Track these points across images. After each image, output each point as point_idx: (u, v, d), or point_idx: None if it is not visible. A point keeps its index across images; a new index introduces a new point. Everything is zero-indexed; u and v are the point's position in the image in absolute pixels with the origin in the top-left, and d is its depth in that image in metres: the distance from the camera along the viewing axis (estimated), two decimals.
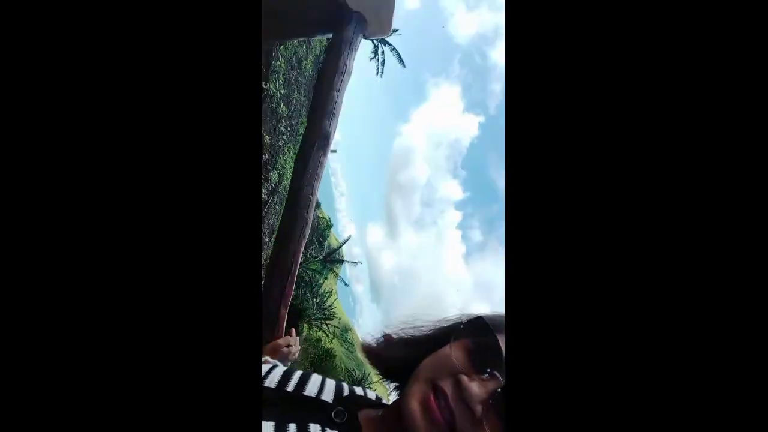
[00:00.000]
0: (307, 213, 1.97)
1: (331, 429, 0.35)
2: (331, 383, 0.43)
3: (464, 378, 0.34)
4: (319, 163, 2.01)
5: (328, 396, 0.40)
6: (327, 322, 11.61)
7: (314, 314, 10.88)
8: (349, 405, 0.39)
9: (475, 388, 0.35)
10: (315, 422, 0.35)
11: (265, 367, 0.43)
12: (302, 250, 1.95)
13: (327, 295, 11.81)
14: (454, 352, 0.37)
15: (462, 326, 0.39)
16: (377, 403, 0.43)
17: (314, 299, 11.04)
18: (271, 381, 0.41)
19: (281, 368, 0.43)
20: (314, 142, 2.02)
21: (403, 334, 0.46)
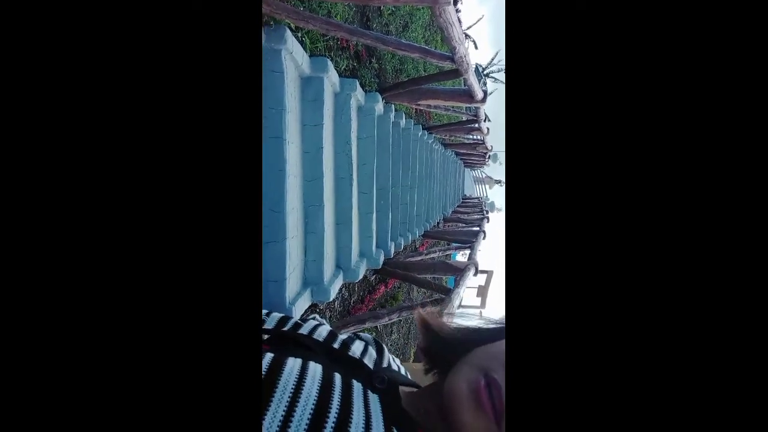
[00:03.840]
0: None
1: (372, 392, 0.35)
2: (372, 351, 0.43)
3: None
4: None
5: (369, 362, 0.40)
6: None
7: None
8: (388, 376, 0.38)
9: None
10: (358, 380, 0.35)
11: (311, 323, 0.43)
12: None
13: None
14: None
15: None
16: (412, 382, 0.43)
17: None
18: (319, 335, 0.41)
19: (327, 326, 0.44)
20: None
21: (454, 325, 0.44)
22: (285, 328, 0.42)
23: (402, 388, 0.38)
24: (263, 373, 0.30)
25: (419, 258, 3.54)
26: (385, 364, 0.42)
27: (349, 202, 2.21)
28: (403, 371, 0.46)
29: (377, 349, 0.44)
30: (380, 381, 0.36)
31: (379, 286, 3.34)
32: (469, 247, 3.76)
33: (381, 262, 2.60)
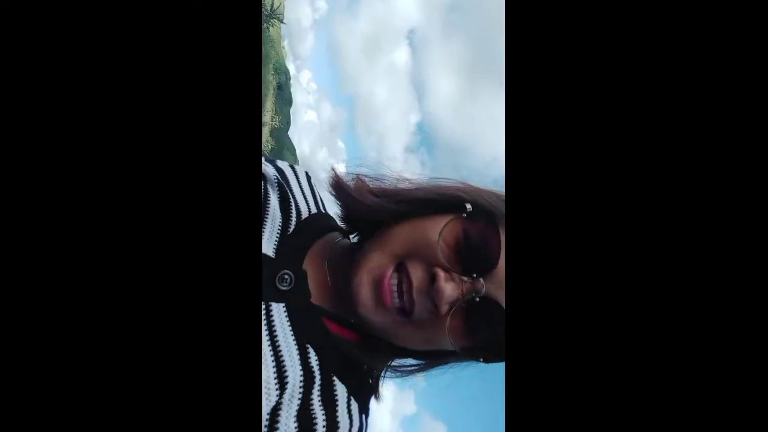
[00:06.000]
0: None
1: (276, 302, 0.29)
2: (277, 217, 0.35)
3: (441, 274, 0.30)
4: None
5: (270, 248, 0.32)
6: None
7: None
8: (296, 247, 0.32)
9: (450, 289, 0.30)
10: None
11: None
12: None
13: None
14: (441, 239, 0.30)
15: (468, 209, 0.32)
16: (337, 227, 0.37)
17: None
18: None
19: None
20: None
21: (385, 185, 0.38)
22: None
23: (315, 259, 0.32)
24: None
25: None
26: (305, 213, 0.35)
27: None
28: (328, 207, 0.38)
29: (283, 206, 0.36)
30: (282, 281, 0.30)
31: None
32: None
33: None
